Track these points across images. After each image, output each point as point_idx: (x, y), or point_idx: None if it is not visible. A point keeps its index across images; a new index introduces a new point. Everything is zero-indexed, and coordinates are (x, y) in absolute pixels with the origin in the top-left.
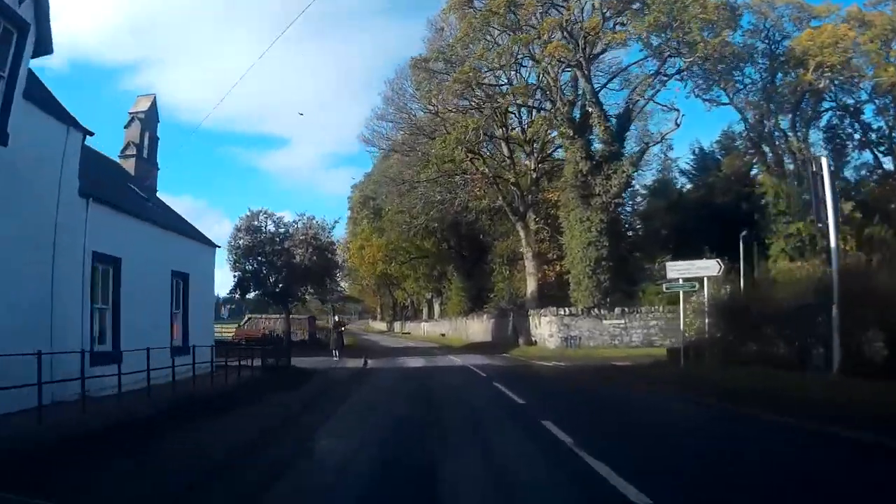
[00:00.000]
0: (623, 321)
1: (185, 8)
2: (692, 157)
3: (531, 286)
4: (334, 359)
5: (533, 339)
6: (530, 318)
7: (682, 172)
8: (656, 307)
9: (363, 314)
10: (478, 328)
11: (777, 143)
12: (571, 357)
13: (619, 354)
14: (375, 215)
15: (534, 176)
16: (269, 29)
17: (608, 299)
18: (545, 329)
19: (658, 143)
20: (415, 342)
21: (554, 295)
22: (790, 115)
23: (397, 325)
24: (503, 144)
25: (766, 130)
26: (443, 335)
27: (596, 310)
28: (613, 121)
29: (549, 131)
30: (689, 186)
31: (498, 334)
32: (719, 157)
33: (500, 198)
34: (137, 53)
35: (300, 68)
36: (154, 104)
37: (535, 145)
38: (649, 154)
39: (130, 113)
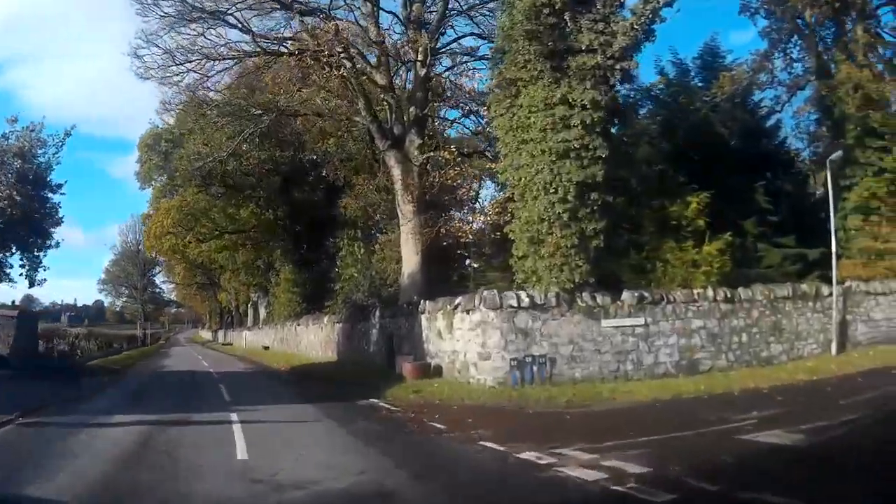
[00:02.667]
0: (642, 319)
1: (54, 5)
2: (661, 78)
3: (411, 263)
4: None
5: (431, 361)
6: (425, 318)
7: (651, 97)
8: (699, 291)
9: (196, 323)
10: (315, 339)
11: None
12: (563, 413)
13: (683, 396)
14: (167, 163)
15: (423, 72)
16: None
17: (593, 278)
18: (469, 341)
19: None
20: (219, 361)
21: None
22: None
23: (221, 335)
24: (369, 22)
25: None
26: (266, 348)
27: (584, 296)
28: None
29: None
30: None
31: (349, 348)
32: (700, 79)
33: (360, 105)
34: (5, 51)
35: None
36: None
37: (426, 15)
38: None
39: None
